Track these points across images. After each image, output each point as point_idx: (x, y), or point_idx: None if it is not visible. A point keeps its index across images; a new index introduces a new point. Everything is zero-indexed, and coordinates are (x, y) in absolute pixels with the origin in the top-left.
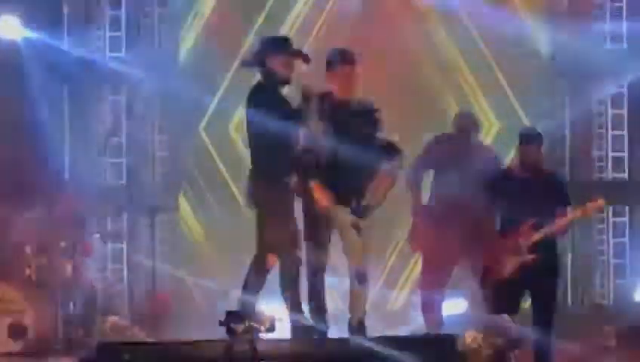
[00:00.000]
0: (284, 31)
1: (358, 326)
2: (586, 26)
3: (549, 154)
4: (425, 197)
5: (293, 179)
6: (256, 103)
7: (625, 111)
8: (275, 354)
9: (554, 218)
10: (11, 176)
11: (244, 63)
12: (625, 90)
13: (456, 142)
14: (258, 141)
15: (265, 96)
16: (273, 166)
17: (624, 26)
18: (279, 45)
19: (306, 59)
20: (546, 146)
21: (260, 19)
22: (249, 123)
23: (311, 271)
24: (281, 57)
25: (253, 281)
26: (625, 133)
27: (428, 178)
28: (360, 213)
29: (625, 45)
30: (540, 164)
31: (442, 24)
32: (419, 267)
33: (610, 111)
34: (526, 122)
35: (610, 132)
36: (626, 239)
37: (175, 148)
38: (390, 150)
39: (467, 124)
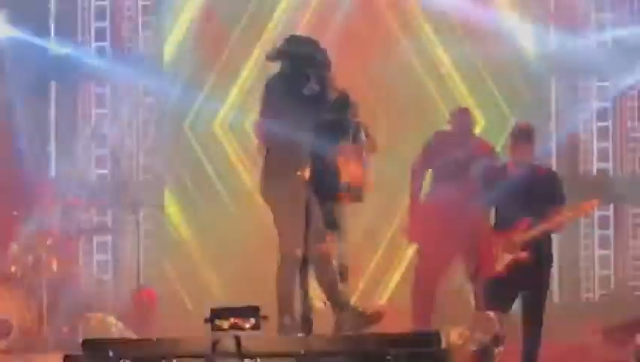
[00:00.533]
0: (268, 32)
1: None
2: (571, 24)
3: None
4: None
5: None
6: (275, 91)
7: (609, 105)
8: (260, 349)
9: (549, 216)
10: None
11: (270, 57)
12: (609, 83)
13: (455, 139)
14: (273, 131)
15: (285, 86)
16: (285, 157)
17: (609, 25)
18: (306, 44)
19: (328, 66)
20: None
21: (244, 19)
22: (266, 111)
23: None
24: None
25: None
26: (609, 123)
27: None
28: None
29: (610, 42)
30: (533, 159)
31: (430, 24)
32: (406, 264)
33: (595, 105)
34: (511, 119)
35: (595, 124)
36: (611, 231)
37: (160, 144)
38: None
39: (465, 121)
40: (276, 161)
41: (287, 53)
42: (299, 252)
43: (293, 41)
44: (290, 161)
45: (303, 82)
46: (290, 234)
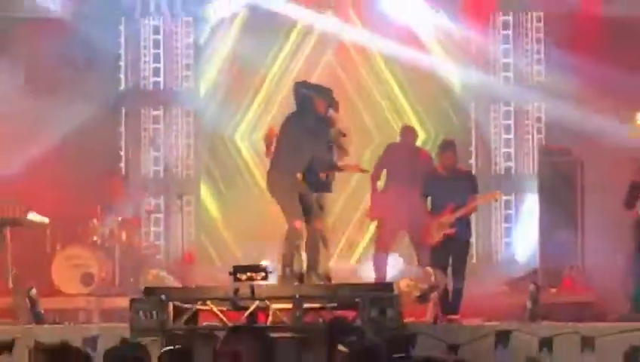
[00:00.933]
0: (272, 73)
1: (325, 276)
2: (485, 65)
3: (461, 154)
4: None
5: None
6: (295, 122)
7: (512, 122)
8: (268, 294)
9: (467, 202)
10: (85, 173)
11: (295, 94)
12: (512, 108)
13: (403, 148)
14: (285, 145)
15: (302, 119)
16: (289, 163)
17: (511, 61)
18: (325, 93)
19: (336, 107)
20: (458, 148)
21: (257, 64)
22: (284, 132)
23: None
24: (322, 101)
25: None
26: (512, 136)
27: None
28: (325, 188)
29: (512, 78)
30: (455, 163)
31: (388, 68)
32: (369, 236)
33: (502, 122)
34: (441, 134)
35: (502, 136)
36: (513, 211)
37: (197, 150)
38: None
39: (410, 135)
40: (280, 165)
41: (302, 95)
42: (298, 224)
43: (311, 86)
44: (289, 165)
45: (309, 118)
46: (291, 214)
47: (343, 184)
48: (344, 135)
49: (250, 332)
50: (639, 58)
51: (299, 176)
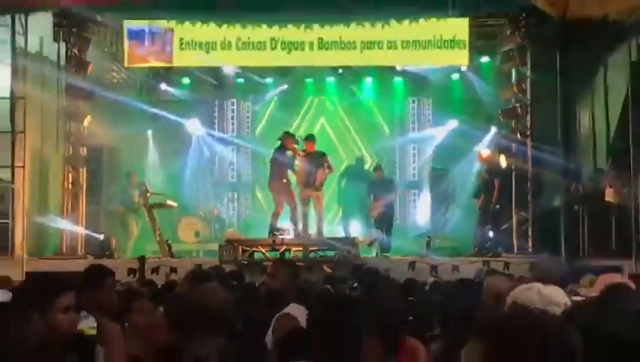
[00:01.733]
0: (295, 124)
1: (319, 233)
2: (403, 123)
3: (391, 170)
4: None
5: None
6: (277, 150)
7: (417, 152)
8: (291, 243)
9: (391, 195)
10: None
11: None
12: (417, 145)
13: (356, 168)
14: (272, 163)
15: (280, 150)
16: (275, 172)
17: (416, 120)
18: (292, 136)
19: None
20: (390, 164)
21: (284, 118)
22: (272, 156)
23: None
24: (290, 140)
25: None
26: (417, 159)
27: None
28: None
29: (417, 127)
30: (383, 176)
31: (353, 125)
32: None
33: (411, 152)
34: (379, 160)
35: (412, 159)
36: (417, 198)
37: (254, 165)
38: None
39: (361, 161)
40: (272, 173)
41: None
42: (280, 209)
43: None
44: (277, 173)
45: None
46: (277, 204)
47: (333, 185)
48: (331, 168)
49: (282, 262)
50: (482, 121)
51: (284, 181)
